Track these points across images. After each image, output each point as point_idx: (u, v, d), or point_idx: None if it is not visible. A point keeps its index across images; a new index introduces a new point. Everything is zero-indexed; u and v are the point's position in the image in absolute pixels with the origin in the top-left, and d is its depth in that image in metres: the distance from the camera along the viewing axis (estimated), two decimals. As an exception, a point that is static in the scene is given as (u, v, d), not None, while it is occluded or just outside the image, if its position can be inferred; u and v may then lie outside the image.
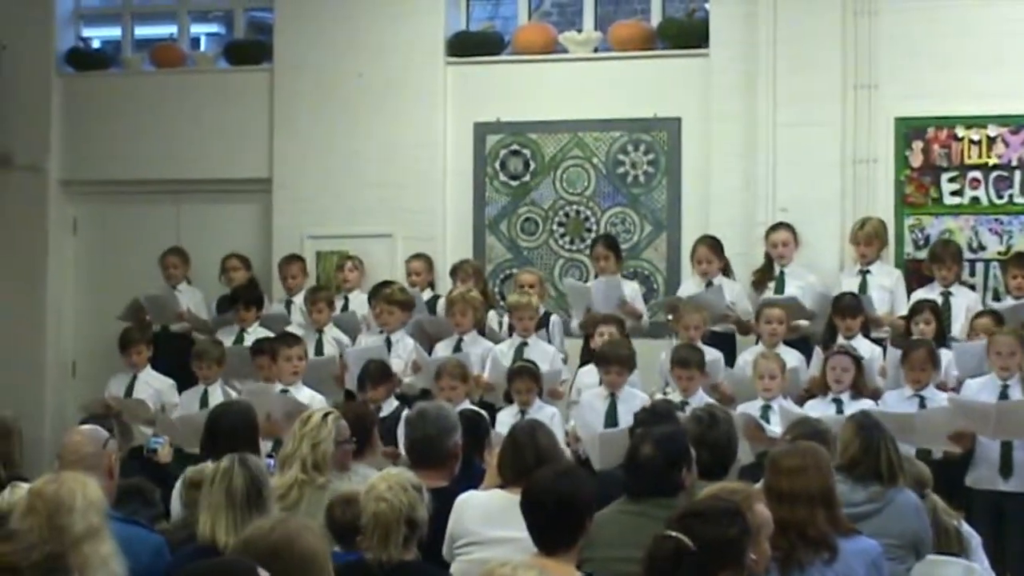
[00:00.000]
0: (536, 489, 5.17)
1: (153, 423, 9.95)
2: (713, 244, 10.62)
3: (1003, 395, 8.83)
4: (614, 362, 9.24)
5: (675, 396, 9.00)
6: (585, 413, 9.15)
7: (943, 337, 9.65)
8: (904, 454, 7.47)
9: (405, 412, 8.16)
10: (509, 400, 9.55)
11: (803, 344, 10.14)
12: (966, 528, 6.80)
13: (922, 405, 8.90)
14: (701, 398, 8.89)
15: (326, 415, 6.56)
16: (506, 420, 8.90)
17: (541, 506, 5.10)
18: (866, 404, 8.64)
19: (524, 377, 9.36)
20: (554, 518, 5.06)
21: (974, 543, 6.75)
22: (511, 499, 5.60)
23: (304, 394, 9.61)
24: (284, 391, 9.62)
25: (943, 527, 6.56)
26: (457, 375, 9.30)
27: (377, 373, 9.47)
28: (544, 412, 9.01)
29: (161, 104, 12.55)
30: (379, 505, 5.19)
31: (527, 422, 6.62)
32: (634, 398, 9.09)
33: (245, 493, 5.25)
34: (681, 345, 9.64)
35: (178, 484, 6.82)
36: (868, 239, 10.39)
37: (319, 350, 10.62)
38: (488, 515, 5.84)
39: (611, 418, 9.11)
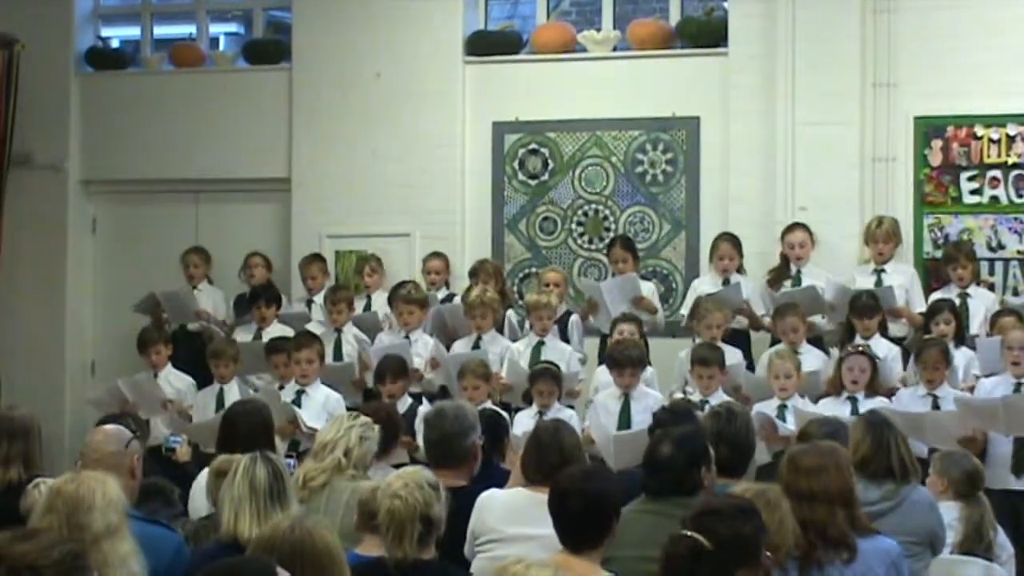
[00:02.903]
0: (564, 488, 5.17)
1: (166, 405, 9.97)
2: (735, 241, 10.61)
3: (1017, 392, 8.76)
4: (626, 364, 9.20)
5: (695, 395, 9.00)
6: (599, 414, 9.13)
7: (963, 337, 9.62)
8: (955, 450, 7.49)
9: (422, 411, 8.18)
10: (527, 400, 9.54)
11: (817, 343, 10.10)
12: (1001, 537, 6.84)
13: (935, 404, 8.88)
14: (720, 397, 8.84)
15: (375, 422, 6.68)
16: (525, 421, 8.87)
17: (569, 505, 5.10)
18: (881, 403, 8.61)
19: (546, 379, 9.32)
20: (581, 517, 5.06)
21: (1004, 555, 6.77)
22: (533, 497, 5.62)
23: (320, 393, 9.63)
24: (300, 391, 9.63)
25: (984, 532, 6.60)
26: (480, 374, 9.32)
27: (395, 367, 9.51)
28: (563, 414, 8.96)
29: (180, 104, 12.58)
30: (393, 502, 5.19)
31: (551, 421, 6.60)
32: (647, 396, 9.10)
33: (268, 486, 5.30)
34: (701, 344, 9.61)
35: (201, 477, 6.84)
36: (886, 237, 10.36)
37: (338, 349, 10.60)
38: (510, 513, 5.83)
39: (624, 417, 9.09)
